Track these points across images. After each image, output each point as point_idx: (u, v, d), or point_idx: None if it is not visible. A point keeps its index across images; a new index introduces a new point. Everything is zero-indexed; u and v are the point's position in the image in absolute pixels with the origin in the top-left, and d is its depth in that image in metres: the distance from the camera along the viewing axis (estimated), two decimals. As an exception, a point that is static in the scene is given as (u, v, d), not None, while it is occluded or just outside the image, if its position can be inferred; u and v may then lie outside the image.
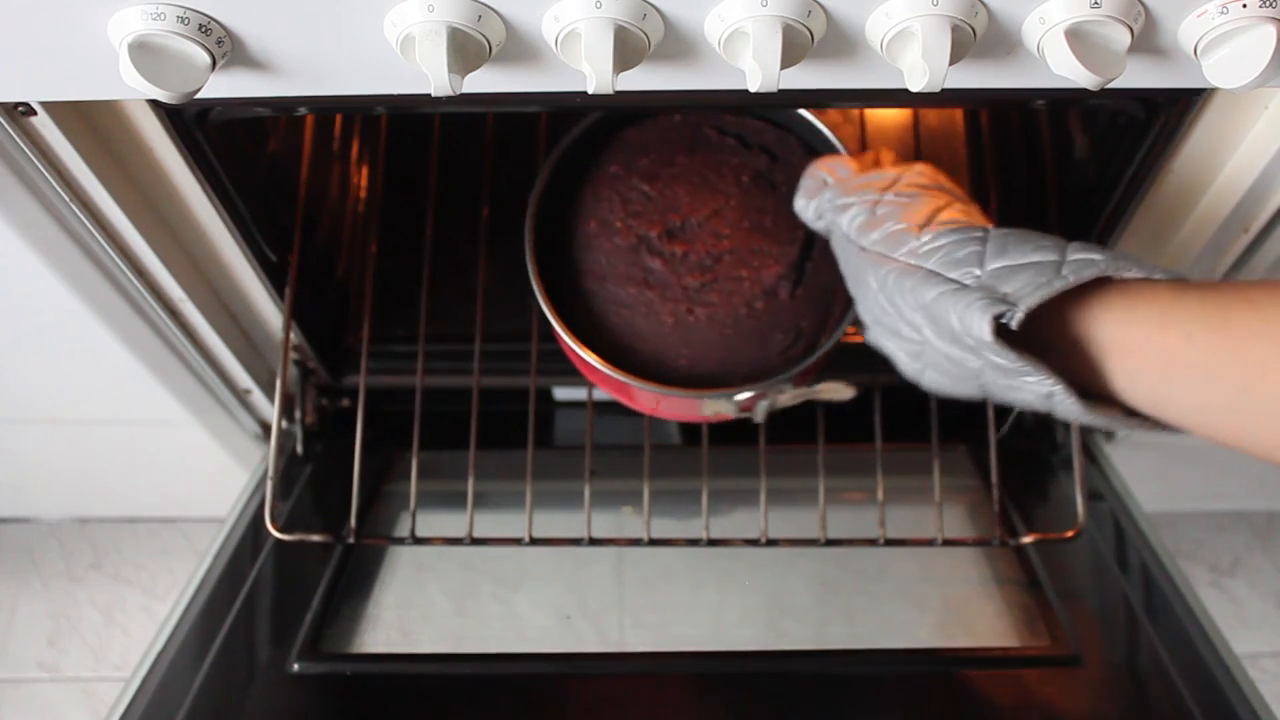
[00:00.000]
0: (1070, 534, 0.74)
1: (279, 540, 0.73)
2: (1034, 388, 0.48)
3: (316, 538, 0.74)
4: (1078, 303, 0.48)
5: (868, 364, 0.79)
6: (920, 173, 0.60)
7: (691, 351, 0.67)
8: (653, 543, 0.74)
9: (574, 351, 0.67)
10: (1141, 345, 0.46)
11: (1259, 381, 0.42)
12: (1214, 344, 0.44)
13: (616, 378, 0.65)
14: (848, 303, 0.65)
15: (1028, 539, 0.75)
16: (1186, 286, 0.47)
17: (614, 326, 0.68)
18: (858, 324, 0.61)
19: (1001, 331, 0.48)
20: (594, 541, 0.74)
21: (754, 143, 0.70)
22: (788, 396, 0.67)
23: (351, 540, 0.74)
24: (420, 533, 0.73)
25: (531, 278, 0.68)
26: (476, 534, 0.73)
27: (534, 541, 0.73)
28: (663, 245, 0.67)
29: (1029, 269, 0.49)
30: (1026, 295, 0.47)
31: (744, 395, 0.65)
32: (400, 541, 0.75)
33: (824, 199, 0.61)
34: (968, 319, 0.48)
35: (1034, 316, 0.47)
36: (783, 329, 0.67)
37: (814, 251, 0.68)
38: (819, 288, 0.68)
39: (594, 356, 0.65)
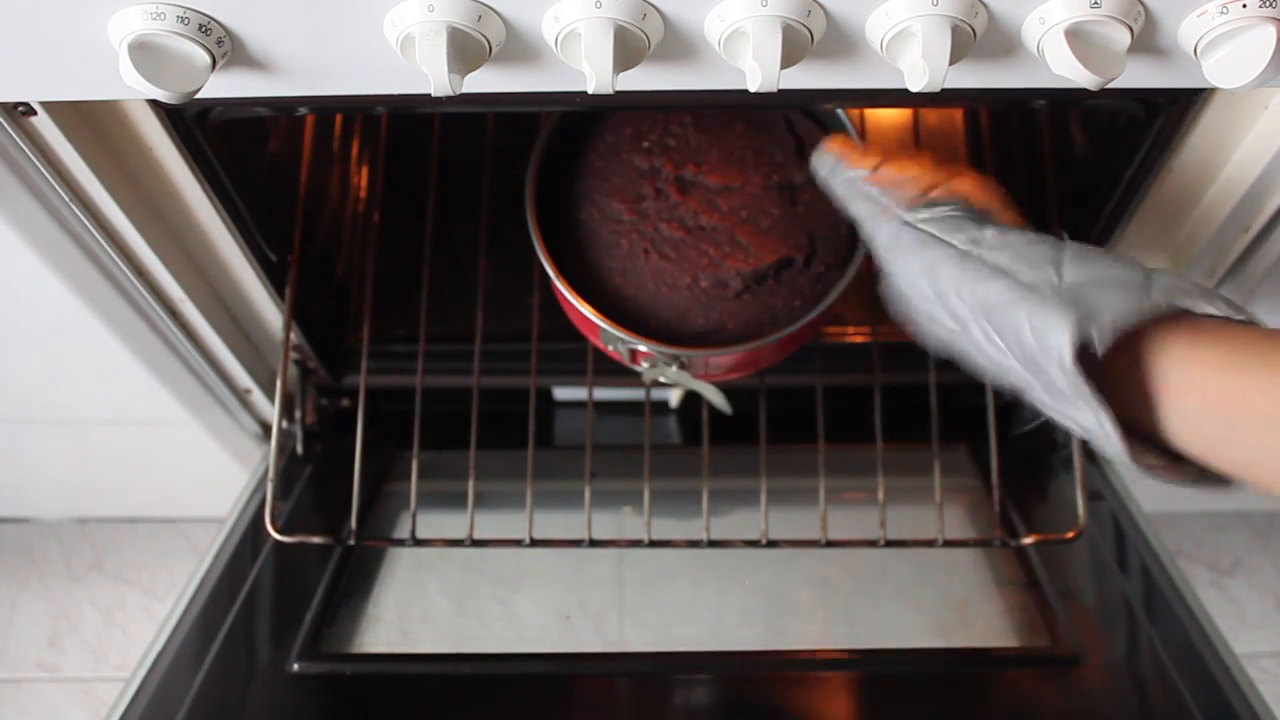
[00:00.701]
0: (1071, 535, 0.73)
1: (279, 541, 0.73)
2: (1084, 419, 0.46)
3: (316, 539, 0.74)
4: (1145, 333, 0.45)
5: (866, 364, 0.80)
6: (974, 181, 0.56)
7: (625, 284, 0.68)
8: (653, 544, 0.74)
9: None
10: (1205, 385, 0.43)
11: None
12: (1248, 379, 0.42)
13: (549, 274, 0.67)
14: (787, 339, 0.66)
15: (1028, 540, 0.75)
16: (1260, 330, 0.44)
17: (580, 223, 0.69)
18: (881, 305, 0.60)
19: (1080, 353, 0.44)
20: (594, 543, 0.74)
21: (805, 153, 0.70)
22: (672, 373, 0.68)
23: (351, 542, 0.74)
24: (420, 534, 0.73)
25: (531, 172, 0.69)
26: (477, 535, 0.73)
27: (534, 543, 0.73)
28: (666, 184, 0.68)
29: (1117, 288, 0.46)
30: (1118, 315, 0.44)
31: (635, 344, 0.66)
32: (400, 543, 0.75)
33: (858, 167, 0.57)
34: (1047, 332, 0.45)
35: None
36: (707, 317, 0.67)
37: (780, 277, 0.68)
38: (764, 308, 0.68)
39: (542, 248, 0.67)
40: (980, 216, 0.53)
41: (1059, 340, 0.44)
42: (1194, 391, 0.44)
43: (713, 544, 0.74)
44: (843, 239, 0.68)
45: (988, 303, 0.48)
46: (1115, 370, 0.45)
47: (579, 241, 0.69)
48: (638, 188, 0.68)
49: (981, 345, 0.50)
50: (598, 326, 0.66)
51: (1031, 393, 0.49)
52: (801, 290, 0.68)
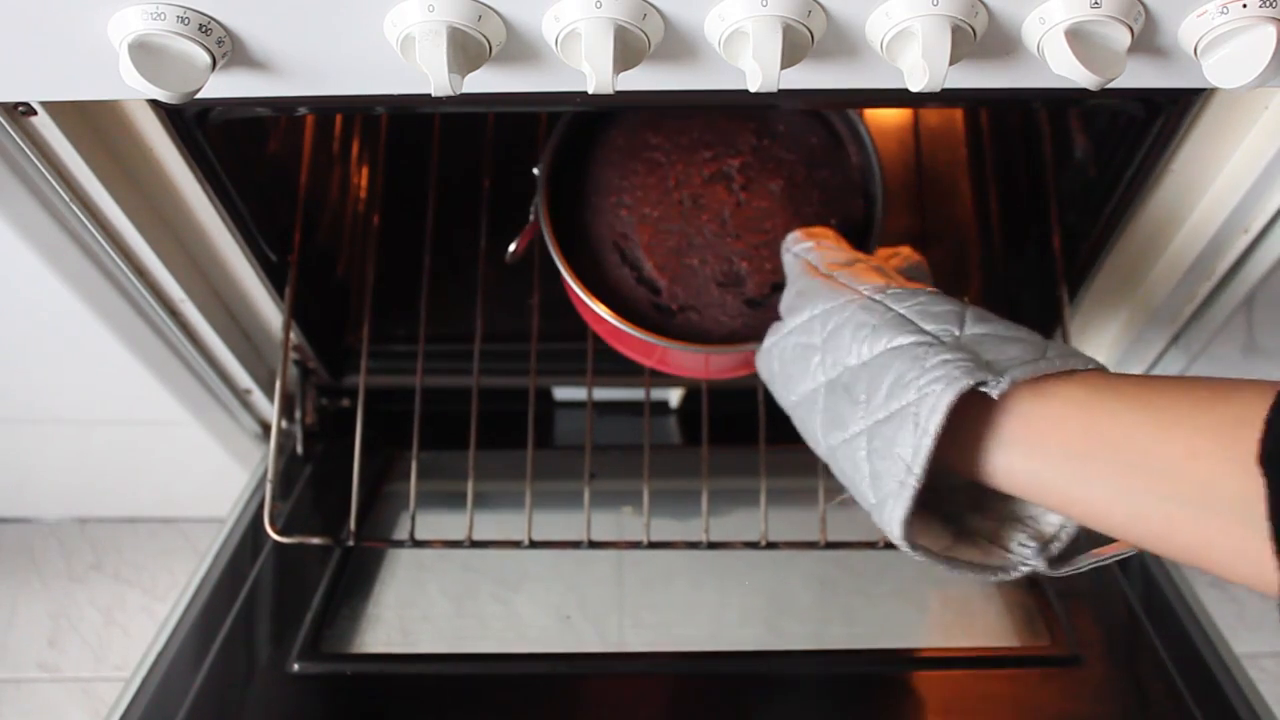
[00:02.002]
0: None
1: (278, 542, 0.73)
2: (891, 475, 0.46)
3: (316, 540, 0.74)
4: (1010, 394, 0.44)
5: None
6: (907, 256, 0.60)
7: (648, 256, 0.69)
8: (652, 545, 0.74)
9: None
10: (1065, 422, 0.43)
11: (1184, 468, 0.39)
12: (1140, 423, 0.40)
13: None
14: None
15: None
16: (1126, 377, 0.44)
17: (595, 225, 0.69)
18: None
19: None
20: (594, 544, 0.74)
21: (830, 150, 0.71)
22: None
23: (350, 543, 0.74)
24: (420, 534, 0.73)
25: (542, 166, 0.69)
26: (476, 536, 0.73)
27: (534, 544, 0.73)
28: (692, 189, 0.69)
29: (1016, 343, 0.46)
30: (1016, 367, 0.44)
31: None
32: (400, 544, 0.75)
33: (815, 245, 0.61)
34: (935, 381, 0.44)
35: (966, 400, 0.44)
36: (725, 322, 0.68)
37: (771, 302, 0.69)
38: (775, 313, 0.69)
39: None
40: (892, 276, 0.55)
41: (945, 387, 0.44)
42: (1054, 431, 0.43)
43: (712, 545, 0.74)
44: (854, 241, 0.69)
45: (882, 347, 0.49)
46: (970, 426, 0.45)
47: (591, 243, 0.69)
48: (663, 191, 0.68)
49: (825, 400, 0.51)
50: (617, 329, 0.67)
51: (847, 447, 0.49)
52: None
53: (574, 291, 0.68)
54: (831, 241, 0.61)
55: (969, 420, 0.45)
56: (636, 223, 0.68)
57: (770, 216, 0.68)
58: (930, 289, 0.52)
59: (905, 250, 0.64)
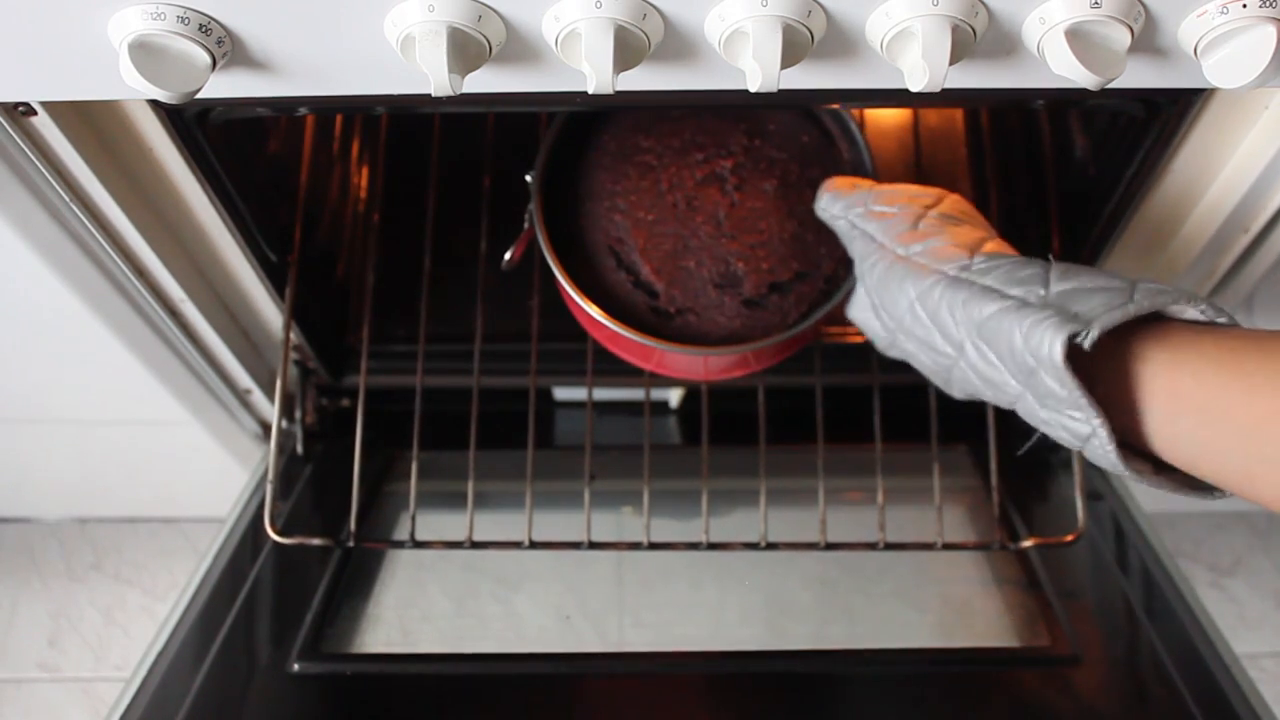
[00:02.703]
0: (1070, 538, 0.73)
1: (278, 543, 0.73)
2: (1076, 425, 0.47)
3: (316, 541, 0.74)
4: (1130, 341, 0.47)
5: (865, 365, 0.80)
6: (959, 201, 0.60)
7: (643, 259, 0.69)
8: (652, 546, 0.74)
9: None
10: (1186, 392, 0.45)
11: (1263, 428, 0.42)
12: (1221, 385, 0.43)
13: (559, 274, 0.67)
14: (797, 337, 0.67)
15: (1028, 543, 0.75)
16: (1241, 335, 0.45)
17: (589, 226, 0.69)
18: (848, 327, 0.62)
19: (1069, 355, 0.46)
20: (594, 545, 0.74)
21: (824, 151, 0.71)
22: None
23: (350, 544, 0.74)
24: (420, 535, 0.73)
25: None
26: (477, 536, 0.73)
27: (534, 545, 0.73)
28: (688, 191, 0.69)
29: (1100, 292, 0.48)
30: (1101, 315, 0.46)
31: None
32: (400, 545, 0.75)
33: (855, 197, 0.61)
34: (1036, 336, 0.47)
35: (1083, 351, 0.46)
36: (724, 323, 0.68)
37: (794, 287, 0.69)
38: (776, 312, 0.68)
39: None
40: (975, 246, 0.55)
41: (1050, 345, 0.46)
42: (1175, 399, 0.45)
43: (712, 546, 0.74)
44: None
45: (979, 319, 0.50)
46: (1103, 379, 0.47)
47: (587, 248, 0.69)
48: (657, 194, 0.68)
49: (976, 364, 0.52)
50: (615, 333, 0.66)
51: (1024, 405, 0.51)
52: (810, 297, 0.68)
53: (570, 298, 0.68)
54: (880, 198, 0.60)
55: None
56: (631, 226, 0.68)
57: (764, 216, 0.68)
58: (1012, 255, 0.54)
59: (950, 199, 0.62)
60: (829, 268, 0.69)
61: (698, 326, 0.68)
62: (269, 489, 0.73)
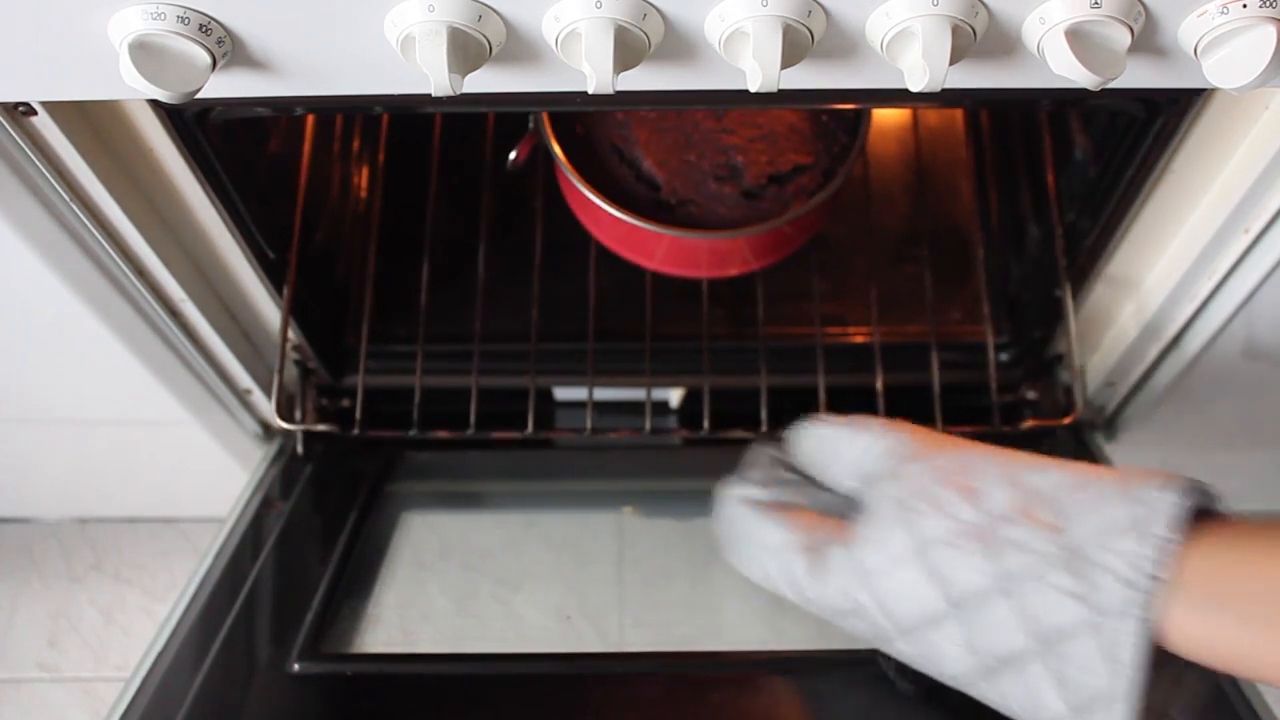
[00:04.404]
0: (1067, 420, 0.76)
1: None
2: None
3: (321, 427, 0.76)
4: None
5: (868, 365, 0.80)
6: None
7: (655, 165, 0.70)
8: (594, 431, 0.76)
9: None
10: (1190, 571, 0.41)
11: None
12: (1264, 560, 0.40)
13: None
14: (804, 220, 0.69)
15: (1027, 424, 0.77)
16: (1252, 525, 0.43)
17: (597, 141, 0.71)
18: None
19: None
20: (596, 432, 0.76)
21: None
22: None
23: (356, 431, 0.75)
24: (420, 534, 0.73)
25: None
26: (477, 538, 0.73)
27: (536, 431, 0.75)
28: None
29: (1127, 528, 0.43)
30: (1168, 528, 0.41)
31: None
32: (407, 441, 0.78)
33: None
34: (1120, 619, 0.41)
35: None
36: (727, 215, 0.70)
37: (793, 179, 0.71)
38: (777, 203, 0.71)
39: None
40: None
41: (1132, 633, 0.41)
42: (1213, 585, 0.41)
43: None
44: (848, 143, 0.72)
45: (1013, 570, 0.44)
46: None
47: (590, 145, 0.71)
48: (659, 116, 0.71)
49: (971, 638, 0.46)
50: (618, 221, 0.68)
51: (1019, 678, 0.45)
52: (808, 189, 0.71)
53: (577, 193, 0.69)
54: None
55: None
56: (634, 123, 0.69)
57: (764, 111, 0.69)
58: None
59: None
60: (826, 161, 0.70)
61: (699, 218, 0.70)
62: (276, 380, 0.74)
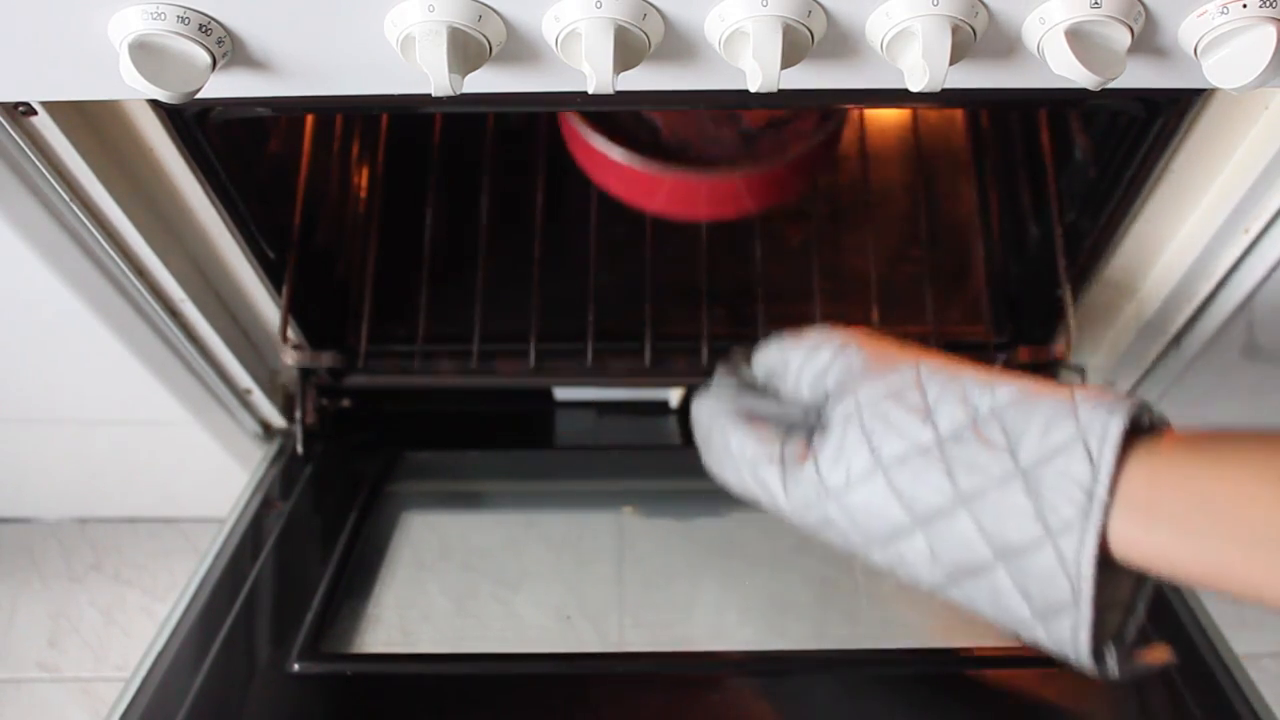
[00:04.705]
0: (1059, 352, 0.76)
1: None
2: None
3: (326, 359, 0.77)
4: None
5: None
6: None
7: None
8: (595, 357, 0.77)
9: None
10: (1132, 472, 0.44)
11: (1244, 510, 0.41)
12: (1201, 471, 0.43)
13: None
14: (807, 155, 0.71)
15: (1021, 352, 0.78)
16: (1176, 431, 0.45)
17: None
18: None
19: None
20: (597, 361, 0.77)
21: None
22: None
23: (361, 365, 0.77)
24: (420, 534, 0.73)
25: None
26: (476, 538, 0.73)
27: (539, 363, 0.76)
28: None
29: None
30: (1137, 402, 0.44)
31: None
32: (410, 371, 0.79)
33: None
34: (1096, 409, 0.44)
35: None
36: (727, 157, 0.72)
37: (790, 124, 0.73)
38: (778, 144, 0.73)
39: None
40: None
41: (1104, 419, 0.44)
42: (1154, 487, 0.43)
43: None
44: None
45: (997, 403, 0.47)
46: None
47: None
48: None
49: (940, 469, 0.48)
50: (619, 165, 0.71)
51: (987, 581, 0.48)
52: (805, 133, 0.73)
53: (581, 140, 0.70)
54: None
55: None
56: None
57: None
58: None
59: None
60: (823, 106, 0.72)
61: (698, 160, 0.72)
62: (285, 303, 0.74)
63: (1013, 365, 0.80)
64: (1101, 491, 0.44)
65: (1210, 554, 0.42)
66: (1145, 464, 0.44)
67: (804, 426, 0.54)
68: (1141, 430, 0.45)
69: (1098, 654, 0.47)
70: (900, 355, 0.53)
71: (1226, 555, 0.42)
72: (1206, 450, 0.43)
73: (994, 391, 0.48)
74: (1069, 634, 0.46)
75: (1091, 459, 0.44)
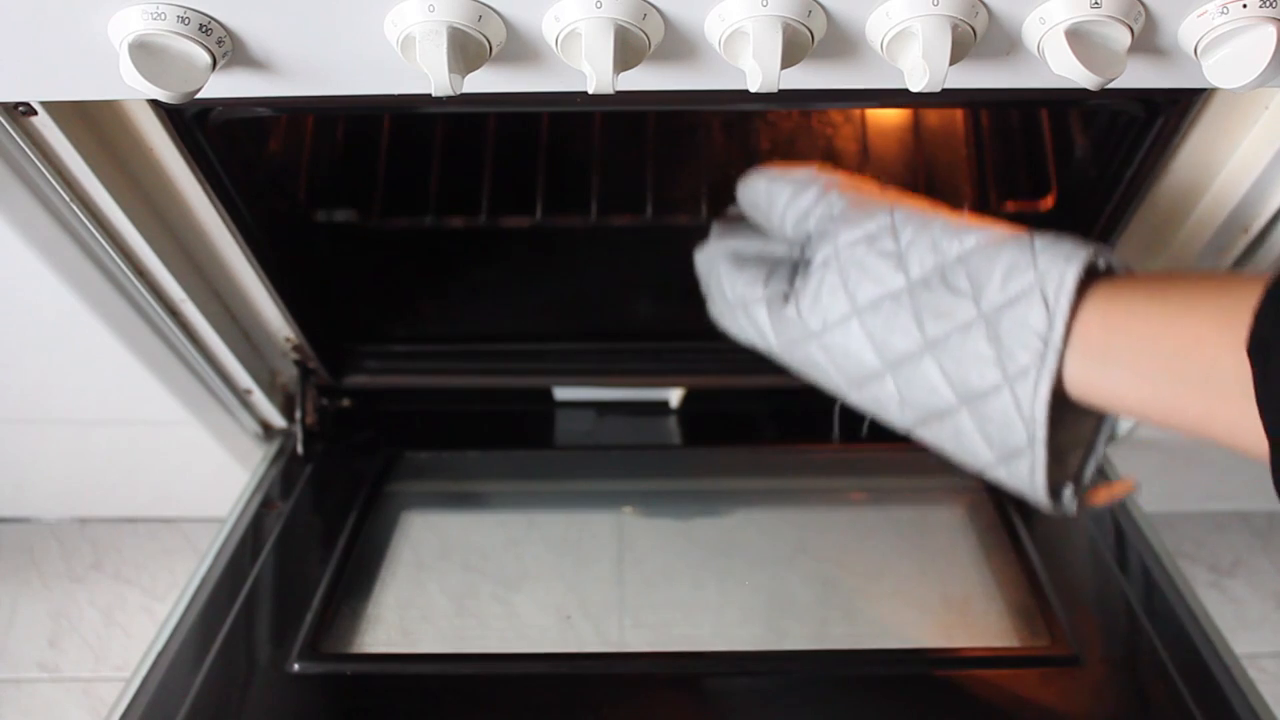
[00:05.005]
0: (1047, 204, 0.76)
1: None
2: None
3: (342, 215, 0.78)
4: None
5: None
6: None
7: None
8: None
9: None
10: (1087, 315, 0.46)
11: (1190, 351, 0.42)
12: (1152, 314, 0.44)
13: None
14: None
15: (1008, 207, 0.77)
16: (1136, 273, 0.47)
17: None
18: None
19: None
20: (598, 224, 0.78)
21: None
22: None
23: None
24: (420, 534, 0.73)
25: None
26: (476, 538, 0.73)
27: (544, 218, 0.75)
28: None
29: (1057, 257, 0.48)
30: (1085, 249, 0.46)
31: None
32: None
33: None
34: (1054, 259, 0.46)
35: None
36: None
37: None
38: None
39: None
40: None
41: (1061, 268, 0.45)
42: (1108, 329, 0.45)
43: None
44: None
45: (960, 251, 0.49)
46: None
47: None
48: None
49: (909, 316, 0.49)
50: None
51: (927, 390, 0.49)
52: None
53: None
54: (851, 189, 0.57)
55: None
56: None
57: None
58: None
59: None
60: None
61: None
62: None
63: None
64: (1056, 339, 0.45)
65: (1162, 395, 0.44)
66: (1100, 309, 0.45)
67: (788, 263, 0.56)
68: (1098, 275, 0.47)
69: (1055, 493, 0.48)
70: (878, 201, 0.54)
71: (1177, 396, 0.43)
72: (1159, 293, 0.45)
73: (961, 238, 0.50)
74: (1027, 475, 0.48)
75: (1048, 307, 0.45)
